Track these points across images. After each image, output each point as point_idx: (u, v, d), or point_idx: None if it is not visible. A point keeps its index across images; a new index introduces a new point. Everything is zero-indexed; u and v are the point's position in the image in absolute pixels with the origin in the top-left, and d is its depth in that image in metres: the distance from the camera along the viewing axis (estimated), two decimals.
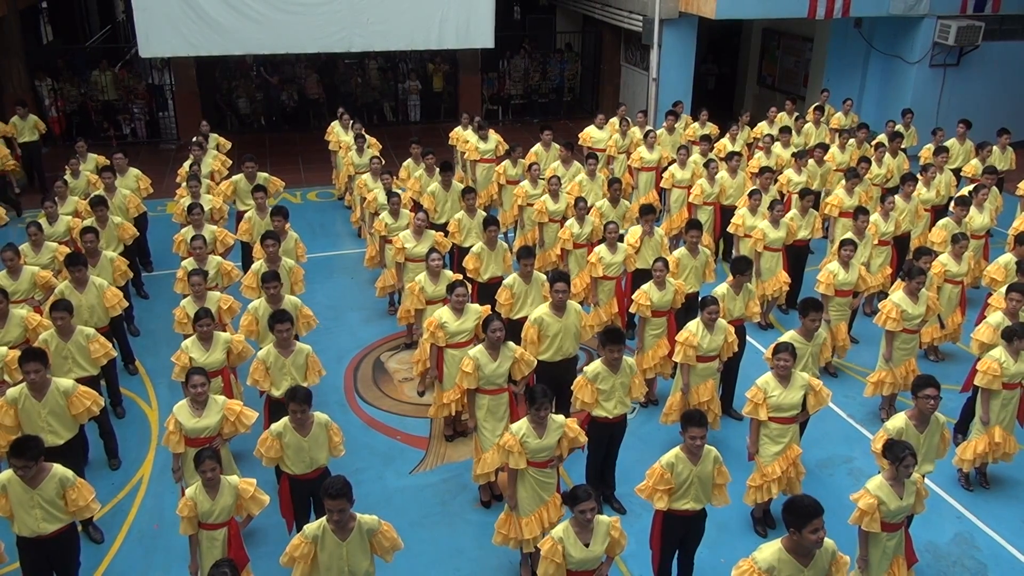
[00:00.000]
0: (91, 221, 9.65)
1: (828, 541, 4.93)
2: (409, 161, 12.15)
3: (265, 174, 11.37)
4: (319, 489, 5.24)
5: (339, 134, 13.88)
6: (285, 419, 6.16)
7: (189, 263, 8.79)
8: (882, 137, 12.89)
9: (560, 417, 6.23)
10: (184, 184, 11.06)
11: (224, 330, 7.96)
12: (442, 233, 9.91)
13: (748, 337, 8.90)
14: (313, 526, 5.22)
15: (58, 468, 5.73)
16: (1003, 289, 8.38)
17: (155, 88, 18.83)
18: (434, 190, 10.94)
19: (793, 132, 13.68)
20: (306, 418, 6.11)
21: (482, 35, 16.22)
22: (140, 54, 15.70)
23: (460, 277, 8.62)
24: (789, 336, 7.37)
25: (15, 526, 5.73)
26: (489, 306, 7.98)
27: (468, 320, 7.62)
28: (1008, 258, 9.36)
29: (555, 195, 10.59)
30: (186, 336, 7.62)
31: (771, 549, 4.96)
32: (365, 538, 5.29)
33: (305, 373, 7.08)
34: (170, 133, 18.45)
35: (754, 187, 10.95)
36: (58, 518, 5.74)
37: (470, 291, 8.30)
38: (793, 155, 12.24)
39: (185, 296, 8.34)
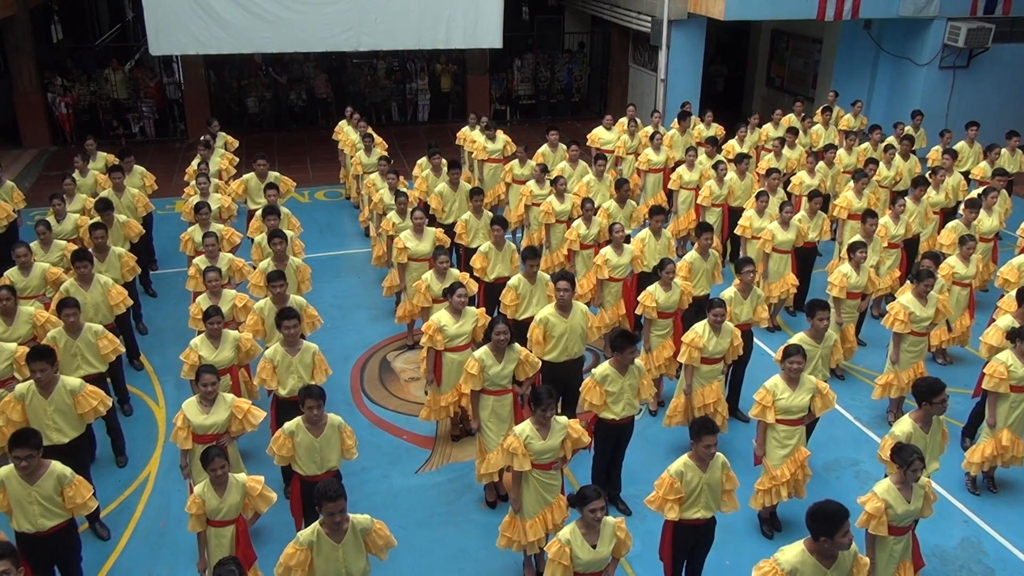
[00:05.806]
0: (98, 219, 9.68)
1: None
2: (423, 159, 12.15)
3: (276, 173, 11.40)
4: None
5: (347, 133, 13.90)
6: (299, 418, 6.14)
7: (201, 260, 8.81)
8: (891, 139, 12.83)
9: (563, 418, 6.21)
10: (193, 182, 11.09)
11: (236, 328, 7.98)
12: (441, 229, 9.92)
13: (755, 339, 8.86)
14: (307, 532, 5.20)
15: (56, 465, 5.75)
16: (1013, 292, 8.37)
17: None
18: (442, 190, 10.96)
19: (800, 132, 13.64)
20: (320, 416, 6.09)
21: (490, 35, 16.25)
22: (150, 52, 15.78)
23: (467, 276, 8.61)
24: (798, 338, 7.33)
25: (14, 522, 5.75)
26: (485, 310, 7.97)
27: (466, 323, 7.61)
28: (1022, 259, 9.32)
29: (561, 195, 10.58)
30: (200, 332, 7.63)
31: (794, 551, 4.91)
32: (359, 538, 5.28)
33: (312, 372, 7.07)
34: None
35: (761, 189, 10.93)
36: (57, 514, 5.76)
37: (476, 290, 8.28)
38: (809, 154, 12.21)
39: (200, 292, 8.35)
